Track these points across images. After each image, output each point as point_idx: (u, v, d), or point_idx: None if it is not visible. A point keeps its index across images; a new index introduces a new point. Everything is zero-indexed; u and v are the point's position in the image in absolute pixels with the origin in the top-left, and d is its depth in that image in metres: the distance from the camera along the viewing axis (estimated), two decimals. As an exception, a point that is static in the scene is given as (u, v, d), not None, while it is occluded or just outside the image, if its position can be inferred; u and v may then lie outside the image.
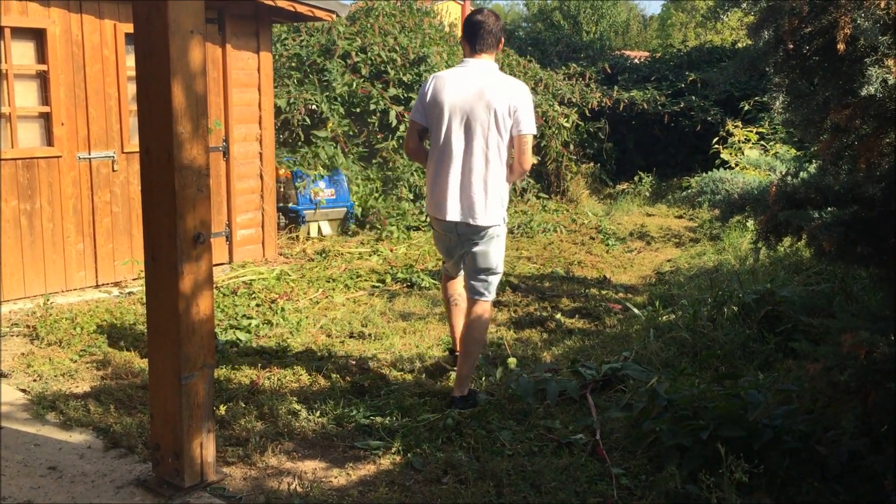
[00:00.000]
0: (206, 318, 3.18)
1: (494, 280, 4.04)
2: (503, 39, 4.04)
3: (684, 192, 8.81)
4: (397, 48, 9.51)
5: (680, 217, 10.11)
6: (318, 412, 3.98)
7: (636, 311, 5.60)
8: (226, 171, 7.23)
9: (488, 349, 5.01)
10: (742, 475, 2.86)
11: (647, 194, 10.99)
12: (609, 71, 12.22)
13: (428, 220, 8.44)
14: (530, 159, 3.89)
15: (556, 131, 10.35)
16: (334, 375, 4.53)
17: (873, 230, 3.56)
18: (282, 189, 8.57)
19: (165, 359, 3.18)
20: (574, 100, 10.95)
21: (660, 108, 11.43)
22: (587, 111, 11.19)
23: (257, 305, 5.98)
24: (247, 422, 3.84)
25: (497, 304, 6.07)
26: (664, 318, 5.41)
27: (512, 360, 4.55)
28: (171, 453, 3.20)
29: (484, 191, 3.82)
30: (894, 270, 3.65)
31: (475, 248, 3.94)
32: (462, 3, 27.55)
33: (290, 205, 8.63)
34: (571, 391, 4.12)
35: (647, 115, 11.57)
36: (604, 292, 6.55)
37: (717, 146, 9.79)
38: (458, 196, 3.86)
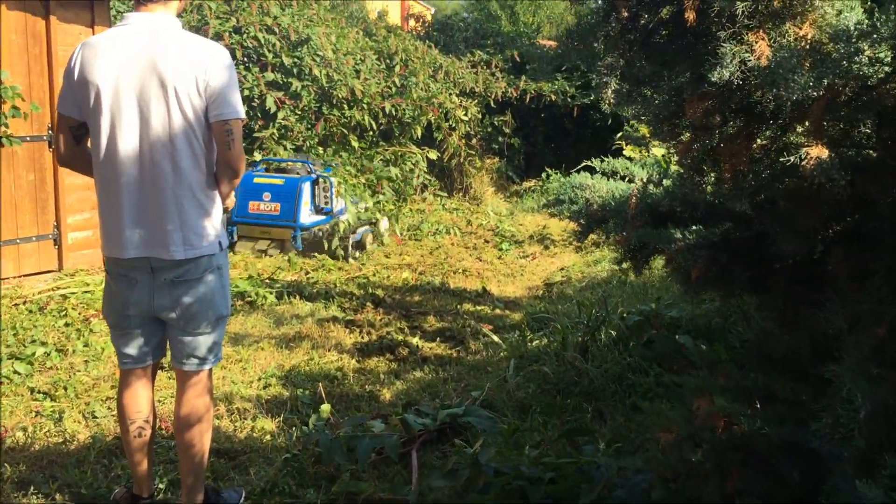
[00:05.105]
0: None
1: (221, 334, 2.87)
2: None
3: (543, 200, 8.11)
4: (277, 29, 8.57)
5: (587, 217, 9.42)
6: (58, 482, 3.10)
7: (495, 338, 4.82)
8: (53, 165, 6.23)
9: (324, 384, 4.17)
10: None
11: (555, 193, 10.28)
12: (518, 60, 11.45)
13: None
14: (240, 155, 2.69)
15: (455, 124, 9.52)
16: (110, 426, 3.65)
17: (750, 252, 2.85)
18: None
19: None
20: (478, 90, 10.14)
21: (569, 100, 10.71)
22: (492, 102, 10.41)
23: (66, 325, 5.02)
24: (-49, 501, 2.94)
25: (350, 324, 5.24)
26: (534, 342, 4.65)
27: (325, 408, 3.69)
28: None
29: (177, 208, 2.62)
30: (780, 303, 2.95)
31: (185, 297, 2.67)
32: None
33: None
34: (390, 449, 3.31)
35: (556, 108, 10.83)
36: (480, 308, 5.77)
37: (619, 142, 9.11)
38: (137, 220, 2.62)
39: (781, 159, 2.03)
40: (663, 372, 4.00)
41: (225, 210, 2.88)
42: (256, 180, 7.29)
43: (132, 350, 2.81)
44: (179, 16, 2.82)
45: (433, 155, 9.48)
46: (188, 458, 2.87)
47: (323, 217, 7.32)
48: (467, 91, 10.11)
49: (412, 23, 13.11)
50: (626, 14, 2.19)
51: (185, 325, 2.76)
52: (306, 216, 7.22)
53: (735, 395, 2.32)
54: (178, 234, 2.66)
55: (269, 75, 8.27)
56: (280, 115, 8.16)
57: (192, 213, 2.68)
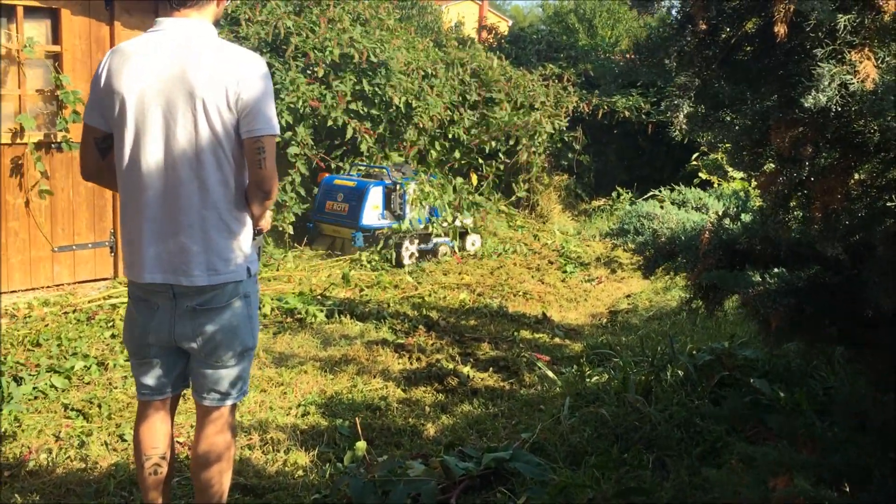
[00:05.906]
0: None
1: (247, 367, 2.65)
2: None
3: (606, 229, 7.68)
4: (354, 45, 8.24)
5: (658, 240, 8.99)
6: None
7: (549, 373, 4.49)
8: (111, 172, 6.17)
9: (365, 415, 3.92)
10: None
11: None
12: (592, 74, 11.07)
13: None
14: (272, 175, 2.46)
15: (535, 137, 9.21)
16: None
17: (841, 301, 2.49)
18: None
19: None
20: (548, 104, 9.81)
21: (643, 116, 10.29)
22: (563, 117, 10.07)
23: (111, 336, 4.92)
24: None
25: (399, 348, 4.98)
26: (593, 379, 4.32)
27: (360, 446, 3.44)
28: None
29: (202, 229, 2.42)
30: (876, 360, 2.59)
31: (208, 326, 2.47)
32: (480, 2, 26.46)
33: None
34: (427, 496, 3.03)
35: (630, 125, 10.42)
36: (538, 335, 5.46)
37: (695, 162, 8.65)
38: (158, 240, 2.43)
39: (892, 202, 1.69)
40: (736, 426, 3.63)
41: (259, 232, 2.67)
42: (336, 182, 7.82)
43: (150, 380, 2.61)
44: (217, 23, 2.62)
45: (521, 193, 9.38)
46: (205, 499, 2.65)
47: (391, 221, 7.62)
48: (536, 105, 9.79)
49: (484, 34, 12.87)
50: (704, 26, 1.88)
51: (207, 356, 2.54)
52: (372, 219, 7.53)
53: (820, 475, 1.98)
54: (202, 258, 2.45)
55: (351, 104, 8.07)
56: (362, 146, 8.07)
57: (218, 235, 2.46)
